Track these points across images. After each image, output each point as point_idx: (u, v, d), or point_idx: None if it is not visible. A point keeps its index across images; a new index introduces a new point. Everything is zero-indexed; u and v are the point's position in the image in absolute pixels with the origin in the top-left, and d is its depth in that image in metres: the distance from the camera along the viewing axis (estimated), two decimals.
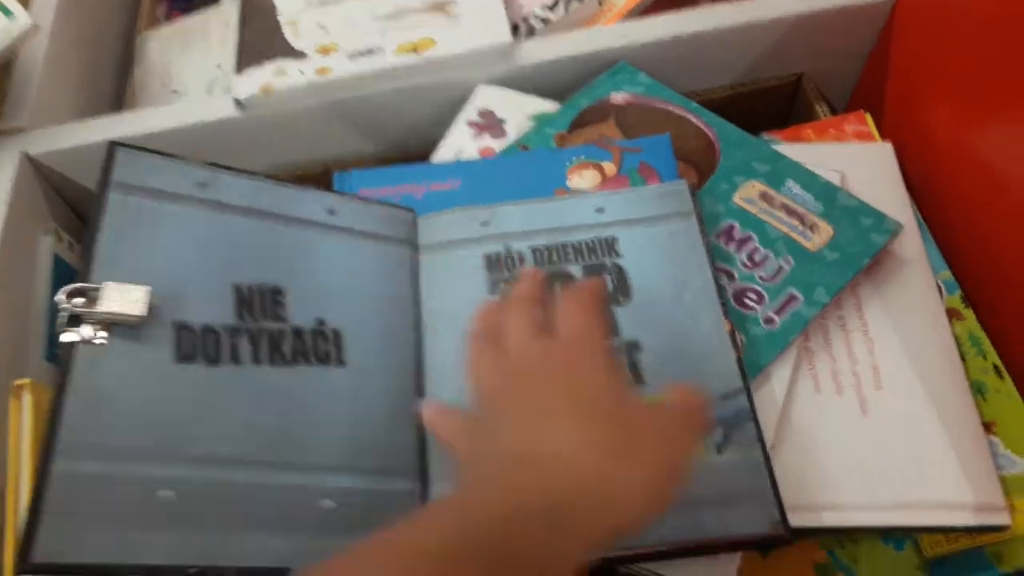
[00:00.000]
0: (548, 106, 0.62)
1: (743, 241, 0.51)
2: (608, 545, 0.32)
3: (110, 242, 0.43)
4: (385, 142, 0.67)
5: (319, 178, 0.66)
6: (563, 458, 0.32)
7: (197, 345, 0.43)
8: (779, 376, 0.48)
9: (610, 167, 0.54)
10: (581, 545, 0.31)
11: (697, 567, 0.44)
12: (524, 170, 0.56)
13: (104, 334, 0.40)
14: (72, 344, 0.40)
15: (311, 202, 0.50)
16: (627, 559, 0.42)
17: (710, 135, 0.57)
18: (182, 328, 0.43)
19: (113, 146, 0.46)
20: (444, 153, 0.61)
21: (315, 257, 0.49)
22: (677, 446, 0.35)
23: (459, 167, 0.57)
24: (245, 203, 0.48)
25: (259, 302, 0.45)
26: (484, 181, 0.55)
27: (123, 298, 0.41)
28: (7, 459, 0.45)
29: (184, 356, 0.42)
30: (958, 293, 0.54)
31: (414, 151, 0.66)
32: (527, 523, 0.30)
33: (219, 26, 0.76)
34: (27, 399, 0.46)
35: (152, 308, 0.42)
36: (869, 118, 0.61)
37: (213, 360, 0.43)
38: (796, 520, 0.45)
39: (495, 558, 0.29)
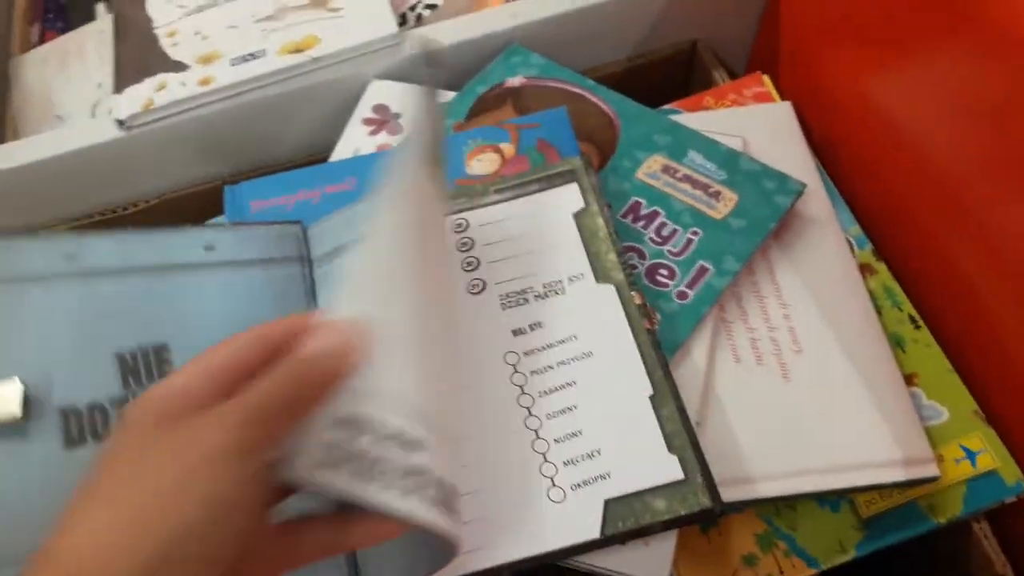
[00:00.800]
0: (444, 96, 0.60)
1: (650, 217, 0.50)
2: None
3: None
4: (282, 148, 0.64)
5: (215, 193, 0.63)
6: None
7: (85, 426, 0.41)
8: (698, 350, 0.47)
9: (508, 148, 0.53)
10: None
11: (632, 553, 0.43)
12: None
13: None
14: None
15: (186, 243, 0.48)
16: (558, 555, 0.41)
17: (609, 112, 0.55)
18: (67, 412, 0.41)
19: None
20: (342, 153, 0.58)
21: (196, 301, 0.46)
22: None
23: (352, 164, 0.55)
24: (116, 264, 0.46)
25: (144, 365, 0.44)
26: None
27: None
28: None
29: (72, 441, 0.40)
30: (869, 248, 0.54)
31: (313, 154, 0.63)
32: None
33: (96, 44, 0.72)
34: None
35: (32, 399, 0.40)
36: (767, 79, 0.61)
37: (104, 438, 0.41)
38: (729, 494, 0.44)
39: None
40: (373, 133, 0.59)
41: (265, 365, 0.31)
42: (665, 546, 0.43)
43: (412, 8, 0.64)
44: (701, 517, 0.42)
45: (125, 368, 0.43)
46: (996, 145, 0.46)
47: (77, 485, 0.28)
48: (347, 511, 0.33)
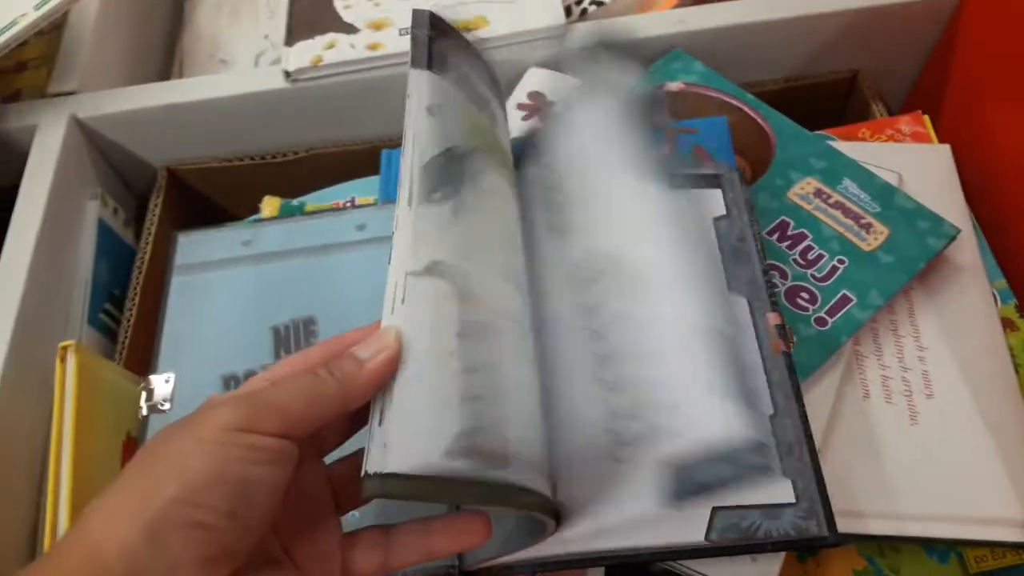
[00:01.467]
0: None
1: (796, 238, 0.50)
2: None
3: (174, 320, 0.52)
4: None
5: (366, 154, 0.66)
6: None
7: None
8: (830, 379, 0.47)
9: (663, 150, 0.53)
10: None
11: (738, 568, 0.44)
12: None
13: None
14: None
15: (341, 225, 0.54)
16: (668, 555, 0.42)
17: (765, 128, 0.56)
18: (228, 379, 0.48)
19: (175, 235, 0.55)
20: None
21: (344, 276, 0.51)
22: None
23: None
24: (281, 247, 0.53)
25: (294, 336, 0.49)
26: None
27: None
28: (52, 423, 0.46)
29: None
30: (1012, 303, 0.53)
31: None
32: None
33: None
34: (72, 361, 0.46)
35: (202, 367, 0.49)
36: (927, 119, 0.60)
37: None
38: (839, 526, 0.44)
39: None
40: (526, 118, 0.60)
41: None
42: (772, 566, 0.44)
43: (579, 2, 0.65)
44: (814, 543, 0.42)
45: (278, 340, 0.49)
46: None
47: None
48: (431, 518, 0.35)
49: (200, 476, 0.28)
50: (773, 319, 0.45)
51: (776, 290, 0.48)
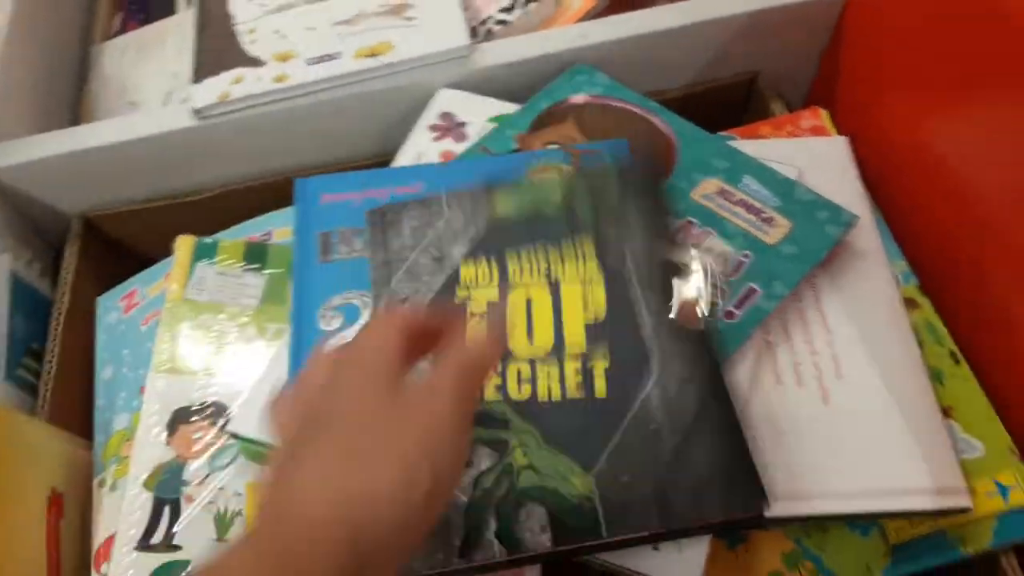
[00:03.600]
0: (508, 108, 0.62)
1: (701, 237, 0.52)
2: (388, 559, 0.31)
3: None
4: (346, 148, 0.67)
5: (281, 186, 0.66)
6: (313, 485, 0.31)
7: None
8: (741, 368, 0.48)
9: (568, 170, 0.55)
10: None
11: (664, 559, 0.45)
12: (485, 172, 0.55)
13: None
14: None
15: None
16: (598, 547, 0.42)
17: (668, 133, 0.57)
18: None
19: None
20: (405, 157, 0.61)
21: None
22: (444, 445, 0.33)
23: (422, 170, 0.57)
24: None
25: None
26: (447, 184, 0.54)
27: None
28: None
29: None
30: (914, 283, 0.55)
31: (376, 157, 0.66)
32: (284, 556, 0.29)
33: (175, 36, 0.75)
34: None
35: None
36: (825, 114, 0.62)
37: None
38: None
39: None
40: (437, 139, 0.61)
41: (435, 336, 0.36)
42: (698, 554, 0.45)
43: (483, 23, 0.66)
44: (747, 523, 0.43)
45: None
46: None
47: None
48: None
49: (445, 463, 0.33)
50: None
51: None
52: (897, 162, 0.61)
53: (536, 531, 0.40)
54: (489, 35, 0.66)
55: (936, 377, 0.51)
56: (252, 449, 0.50)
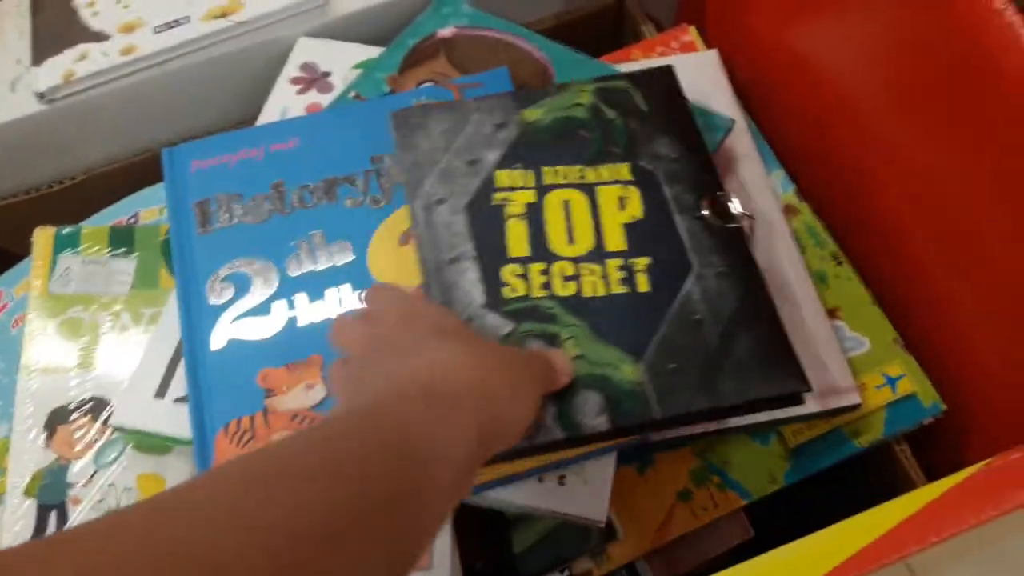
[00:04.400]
0: (372, 53, 0.59)
1: None
2: (499, 442, 0.34)
3: None
4: (209, 116, 0.64)
5: (146, 165, 0.63)
6: (437, 363, 0.33)
7: None
8: None
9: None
10: (465, 428, 0.31)
11: (570, 493, 0.44)
12: (365, 119, 0.53)
13: None
14: None
15: None
16: (651, 425, 0.41)
17: (542, 60, 0.56)
18: None
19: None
20: (269, 114, 0.58)
21: None
22: (530, 373, 0.38)
23: (296, 123, 0.54)
24: None
25: None
26: (325, 135, 0.52)
27: None
28: None
29: None
30: (792, 189, 0.56)
31: (243, 119, 0.63)
32: (404, 401, 0.31)
33: (14, 18, 0.70)
34: None
35: None
36: (693, 30, 0.62)
37: None
38: (664, 432, 0.46)
39: (376, 433, 0.29)
40: (301, 92, 0.59)
41: None
42: (602, 484, 0.45)
43: None
44: (789, 401, 0.42)
45: None
46: (910, 82, 0.47)
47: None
48: None
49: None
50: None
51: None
52: (768, 70, 0.60)
53: (592, 415, 0.40)
54: None
55: (820, 279, 0.52)
56: (142, 440, 0.48)
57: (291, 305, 0.47)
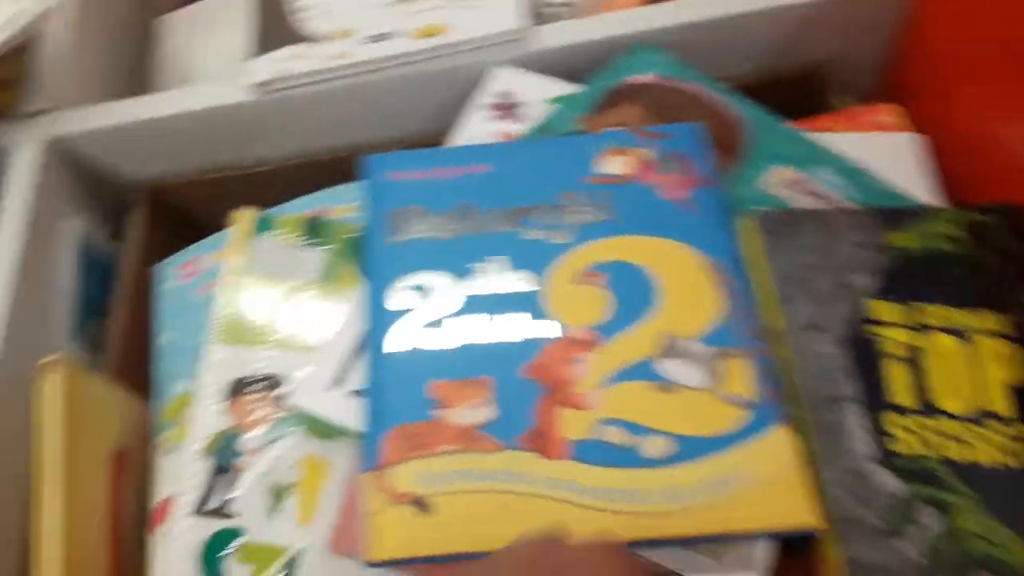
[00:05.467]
0: (567, 89, 0.61)
1: None
2: None
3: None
4: (401, 128, 0.67)
5: (338, 164, 0.67)
6: None
7: None
8: None
9: (645, 152, 0.54)
10: None
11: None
12: (555, 154, 0.55)
13: None
14: None
15: None
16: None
17: (737, 118, 0.56)
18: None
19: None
20: (460, 137, 0.61)
21: None
22: None
23: (490, 150, 0.56)
24: None
25: None
26: (516, 164, 0.54)
27: None
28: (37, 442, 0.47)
29: None
30: None
31: (429, 136, 0.66)
32: None
33: (238, 10, 0.76)
34: (55, 377, 0.47)
35: None
36: (895, 109, 0.60)
37: None
38: None
39: None
40: (494, 119, 0.61)
41: None
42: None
43: (548, 4, 0.65)
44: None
45: None
46: None
47: None
48: None
49: None
50: None
51: None
52: (972, 162, 0.57)
53: None
54: (553, 17, 0.66)
55: None
56: (312, 424, 0.51)
57: (467, 324, 0.49)
